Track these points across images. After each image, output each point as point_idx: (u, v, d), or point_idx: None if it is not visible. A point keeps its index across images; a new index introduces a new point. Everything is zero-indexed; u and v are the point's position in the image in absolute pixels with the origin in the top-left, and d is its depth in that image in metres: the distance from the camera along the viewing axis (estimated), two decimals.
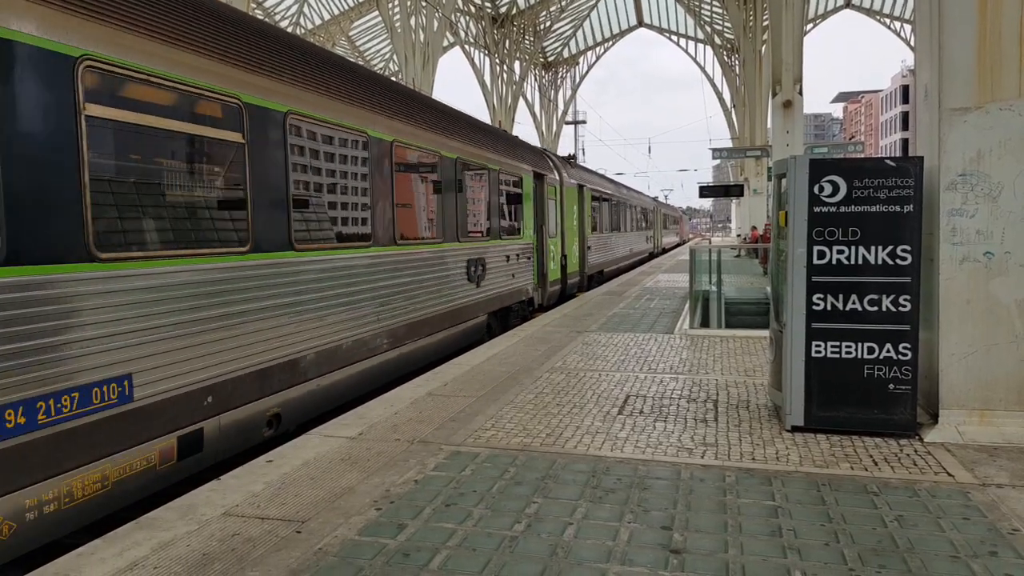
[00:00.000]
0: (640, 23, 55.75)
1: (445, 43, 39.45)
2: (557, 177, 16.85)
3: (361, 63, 44.88)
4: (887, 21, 52.09)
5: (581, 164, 23.63)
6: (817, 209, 5.25)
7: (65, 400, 4.13)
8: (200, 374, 5.20)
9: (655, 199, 50.61)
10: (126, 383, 4.57)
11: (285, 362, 6.21)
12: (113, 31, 4.55)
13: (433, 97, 10.95)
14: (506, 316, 12.92)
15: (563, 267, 17.12)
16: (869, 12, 52.17)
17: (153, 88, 4.87)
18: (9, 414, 3.77)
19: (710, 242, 46.21)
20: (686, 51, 54.22)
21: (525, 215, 14.04)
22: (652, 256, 38.57)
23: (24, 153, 3.93)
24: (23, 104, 3.99)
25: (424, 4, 29.61)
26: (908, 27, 50.28)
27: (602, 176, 27.44)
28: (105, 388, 4.40)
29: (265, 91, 6.05)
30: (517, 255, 13.30)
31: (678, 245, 58.08)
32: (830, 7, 51.07)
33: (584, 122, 66.37)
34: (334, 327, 6.99)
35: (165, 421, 4.89)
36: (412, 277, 8.79)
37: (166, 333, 4.87)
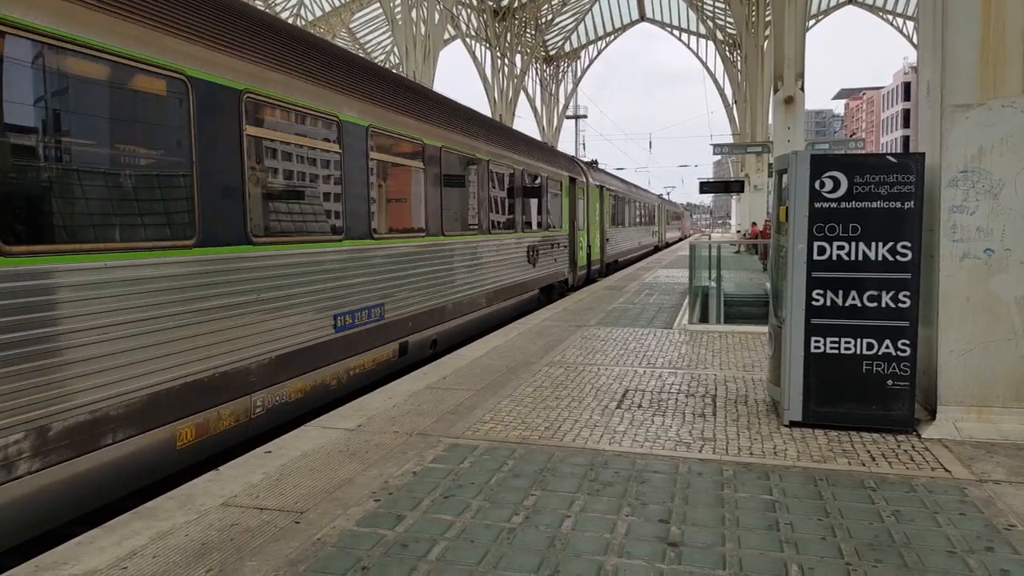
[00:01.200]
0: (642, 17, 55.62)
1: (446, 36, 39.32)
2: (584, 180, 19.78)
3: (362, 55, 44.81)
4: (890, 17, 51.97)
5: (602, 168, 26.45)
6: (818, 205, 5.25)
7: (363, 314, 7.51)
8: (408, 308, 8.61)
9: (660, 197, 52.46)
10: (382, 308, 7.96)
11: (439, 307, 9.60)
12: (386, 111, 8.14)
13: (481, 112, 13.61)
14: (550, 291, 15.97)
15: (588, 256, 20.07)
16: (872, 8, 52.02)
17: (396, 141, 8.53)
18: (345, 318, 7.15)
19: (709, 238, 46.47)
20: (688, 46, 54.14)
21: (563, 212, 17.16)
22: (657, 249, 40.91)
23: (355, 187, 7.41)
24: (355, 159, 7.47)
25: None
26: (911, 24, 50.18)
27: (618, 177, 30.25)
28: (375, 309, 7.78)
29: (435, 136, 9.53)
30: (558, 244, 16.49)
31: (680, 240, 59.68)
32: (833, 3, 50.93)
33: (585, 116, 66.34)
34: (461, 287, 10.40)
35: (394, 333, 8.28)
36: (497, 257, 12.12)
37: (396, 281, 8.30)
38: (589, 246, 20.11)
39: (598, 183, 21.96)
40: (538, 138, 30.93)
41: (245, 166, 5.67)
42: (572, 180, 17.89)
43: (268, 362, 5.95)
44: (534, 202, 14.53)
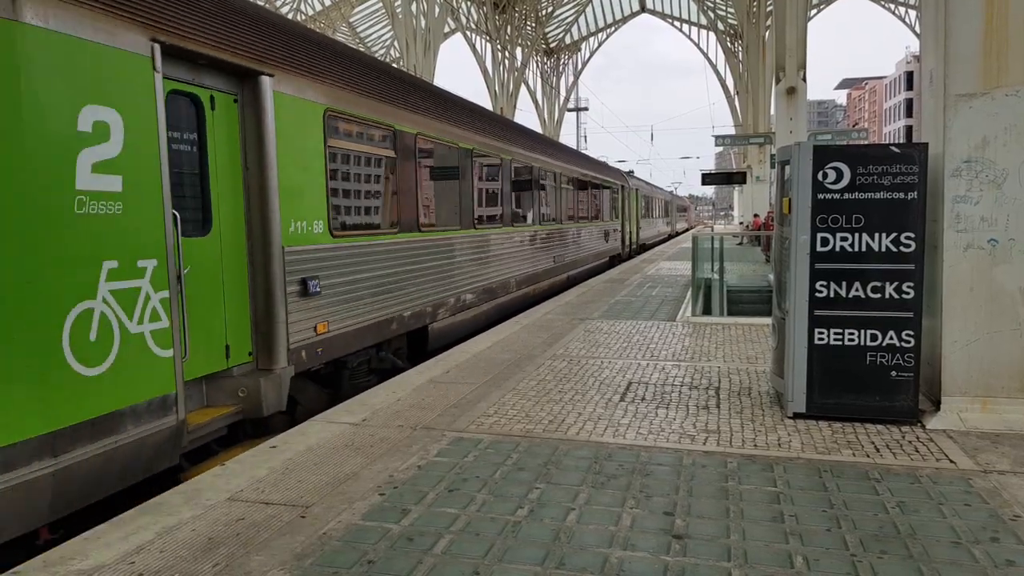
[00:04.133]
0: (643, 8, 55.41)
1: (446, 29, 39.23)
2: (627, 185, 28.09)
3: (362, 49, 44.79)
4: (892, 7, 51.70)
5: (635, 176, 36.11)
6: (821, 196, 5.23)
7: (559, 258, 15.99)
8: (569, 258, 17.08)
9: (671, 193, 62.22)
10: (564, 256, 16.46)
11: (575, 260, 17.68)
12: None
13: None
14: (612, 260, 23.83)
15: (629, 239, 28.55)
16: None
17: (572, 180, 18.13)
18: (556, 258, 15.66)
19: (712, 229, 47.21)
20: (689, 37, 53.94)
21: (618, 208, 25.33)
22: (670, 237, 49.33)
23: (567, 202, 17.63)
24: (561, 191, 16.89)
25: None
26: (913, 13, 49.92)
27: (645, 181, 39.55)
28: (561, 257, 16.12)
29: (577, 173, 18.19)
30: (616, 230, 24.84)
31: (687, 229, 66.22)
32: None
33: (586, 109, 66.38)
34: (583, 250, 18.70)
35: (566, 270, 16.74)
36: (594, 235, 20.48)
37: (566, 242, 16.82)
38: (629, 232, 28.66)
39: (634, 187, 30.70)
40: (539, 130, 32.62)
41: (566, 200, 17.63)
42: (621, 187, 26.43)
43: (544, 270, 14.43)
44: (608, 202, 23.17)
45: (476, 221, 10.59)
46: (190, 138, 5.21)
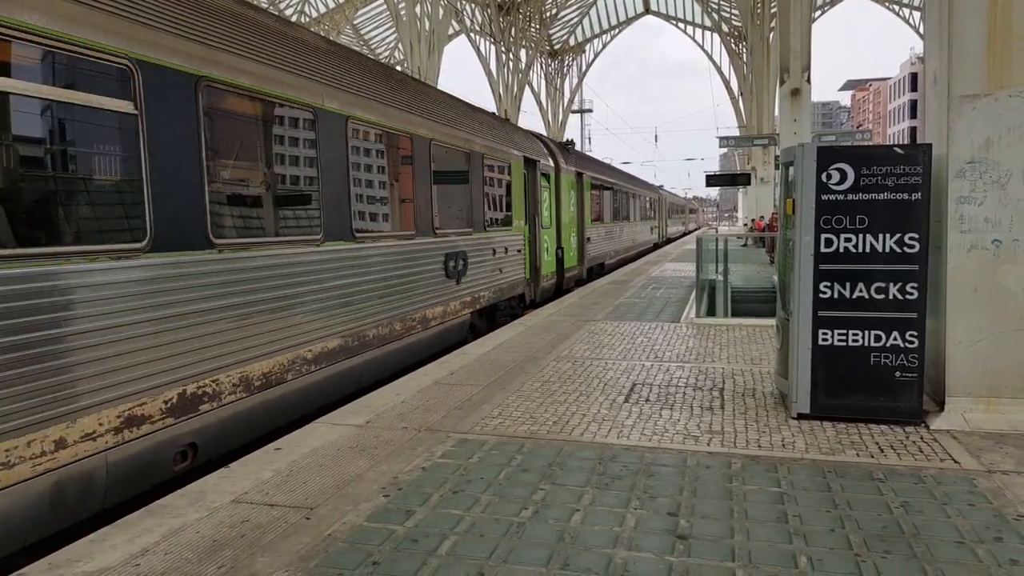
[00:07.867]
0: (647, 10, 55.41)
1: (450, 31, 39.29)
2: (660, 195, 38.77)
3: (365, 51, 44.92)
4: (896, 8, 51.59)
5: (664, 188, 50.66)
6: (825, 197, 5.23)
7: (622, 246, 26.13)
8: (628, 243, 27.88)
9: (685, 199, 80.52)
10: (633, 241, 29.15)
11: (626, 248, 26.75)
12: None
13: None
14: (655, 245, 34.88)
15: (660, 232, 38.82)
16: None
17: (624, 192, 28.93)
18: (621, 242, 25.87)
19: (716, 231, 47.79)
20: (693, 38, 53.92)
21: (658, 211, 36.77)
22: (685, 233, 61.28)
23: (635, 209, 32.08)
24: (635, 197, 32.12)
25: None
26: (917, 14, 49.81)
27: (669, 192, 55.59)
28: (630, 239, 28.27)
29: (629, 190, 30.05)
30: (655, 226, 36.28)
31: (697, 228, 76.92)
32: None
33: (591, 111, 66.26)
34: (639, 239, 30.54)
35: (651, 241, 35.64)
36: (642, 229, 31.96)
37: (624, 235, 27.07)
38: (662, 228, 39.86)
39: (665, 196, 43.14)
40: (544, 131, 34.13)
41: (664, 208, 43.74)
42: (658, 197, 38.02)
43: (631, 246, 27.80)
44: (652, 208, 33.77)
45: (616, 218, 23.61)
46: (569, 196, 17.23)
